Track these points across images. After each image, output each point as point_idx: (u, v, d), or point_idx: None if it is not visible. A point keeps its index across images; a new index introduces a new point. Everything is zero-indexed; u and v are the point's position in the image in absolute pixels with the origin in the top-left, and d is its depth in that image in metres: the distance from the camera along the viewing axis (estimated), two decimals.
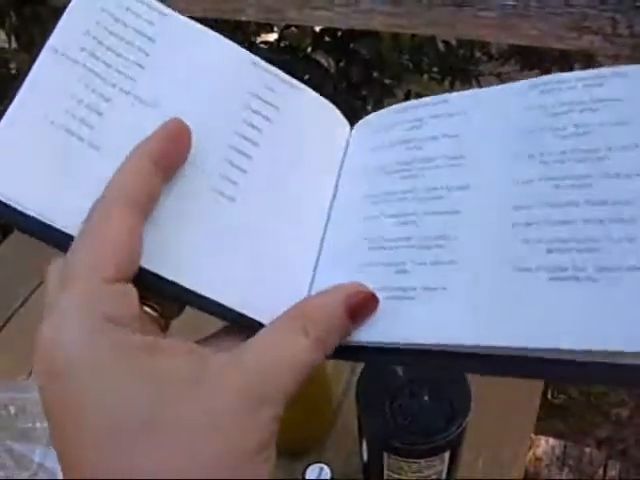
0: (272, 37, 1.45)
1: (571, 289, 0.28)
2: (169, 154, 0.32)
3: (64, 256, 0.29)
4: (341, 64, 1.41)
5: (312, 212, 0.37)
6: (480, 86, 1.71)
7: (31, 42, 1.20)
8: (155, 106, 0.35)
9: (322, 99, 0.41)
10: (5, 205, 0.31)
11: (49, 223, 0.31)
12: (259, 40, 1.41)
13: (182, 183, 0.34)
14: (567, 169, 0.32)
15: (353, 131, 0.41)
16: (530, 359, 0.28)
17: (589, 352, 0.27)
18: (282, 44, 1.44)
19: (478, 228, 0.32)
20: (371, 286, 0.32)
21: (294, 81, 0.40)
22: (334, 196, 0.38)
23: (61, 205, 0.31)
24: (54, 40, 0.34)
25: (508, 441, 0.81)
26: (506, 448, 0.80)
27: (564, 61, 1.51)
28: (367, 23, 0.98)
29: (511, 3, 0.89)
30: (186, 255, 0.33)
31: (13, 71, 1.24)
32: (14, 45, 1.42)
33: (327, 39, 1.28)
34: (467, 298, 0.31)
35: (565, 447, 1.59)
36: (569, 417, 1.60)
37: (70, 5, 0.36)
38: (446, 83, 1.62)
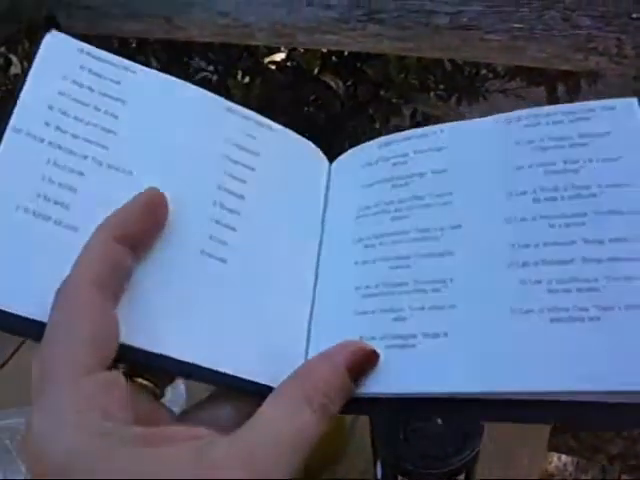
0: (279, 57, 1.46)
1: (573, 330, 0.28)
2: (138, 231, 0.31)
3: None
4: (348, 83, 1.42)
5: (302, 260, 0.36)
6: (487, 102, 1.72)
7: None
8: (130, 173, 0.33)
9: (299, 138, 0.39)
10: None
11: (25, 315, 0.29)
12: (267, 60, 1.43)
13: (166, 250, 0.32)
14: (560, 207, 0.31)
15: (333, 166, 0.40)
16: (534, 402, 0.28)
17: (592, 393, 0.27)
18: (290, 64, 1.45)
19: (474, 269, 0.32)
20: (369, 335, 0.32)
21: (271, 123, 0.38)
22: (321, 241, 0.37)
23: (39, 294, 0.29)
24: (16, 119, 0.32)
25: (521, 458, 0.81)
26: (519, 465, 0.80)
27: (570, 77, 1.52)
28: (375, 47, 1.00)
29: (517, 26, 0.90)
30: (175, 325, 0.31)
31: None
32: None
33: (334, 60, 1.29)
34: (469, 343, 0.30)
35: (577, 463, 1.58)
36: (581, 433, 1.59)
37: (28, 78, 0.33)
38: (452, 100, 1.63)
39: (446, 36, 0.94)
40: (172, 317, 0.31)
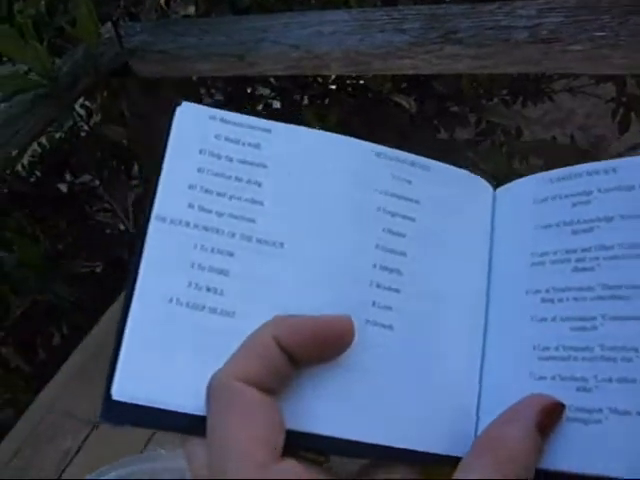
0: (348, 81, 1.47)
1: None
2: (303, 350, 0.28)
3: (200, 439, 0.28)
4: (414, 98, 1.42)
5: (470, 313, 0.33)
6: (552, 103, 1.69)
7: (122, 114, 1.25)
8: (282, 245, 0.31)
9: (458, 171, 0.35)
10: (150, 409, 0.28)
11: (183, 411, 0.28)
12: (335, 86, 1.43)
13: None
14: None
15: (499, 197, 0.35)
16: None
17: None
18: (357, 82, 1.46)
19: None
20: None
21: (425, 161, 0.35)
22: (488, 290, 0.33)
23: (197, 387, 0.28)
24: (159, 206, 0.31)
25: None
26: None
27: None
28: (452, 67, 0.99)
29: (600, 34, 0.89)
30: (344, 403, 0.29)
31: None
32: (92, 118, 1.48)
33: (405, 82, 1.30)
34: None
35: None
36: None
37: (165, 160, 0.32)
38: (517, 104, 1.61)
39: (526, 51, 0.93)
40: (340, 396, 0.29)
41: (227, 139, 0.33)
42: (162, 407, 0.28)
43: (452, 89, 1.24)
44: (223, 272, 0.30)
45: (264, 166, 0.33)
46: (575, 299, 0.30)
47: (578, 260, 0.31)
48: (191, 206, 0.31)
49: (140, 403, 0.28)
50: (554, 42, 0.91)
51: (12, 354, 1.48)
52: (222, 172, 0.32)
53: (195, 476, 0.28)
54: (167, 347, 0.29)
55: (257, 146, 0.33)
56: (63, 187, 1.67)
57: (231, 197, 0.32)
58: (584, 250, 0.31)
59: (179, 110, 0.33)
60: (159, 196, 0.31)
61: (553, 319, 0.30)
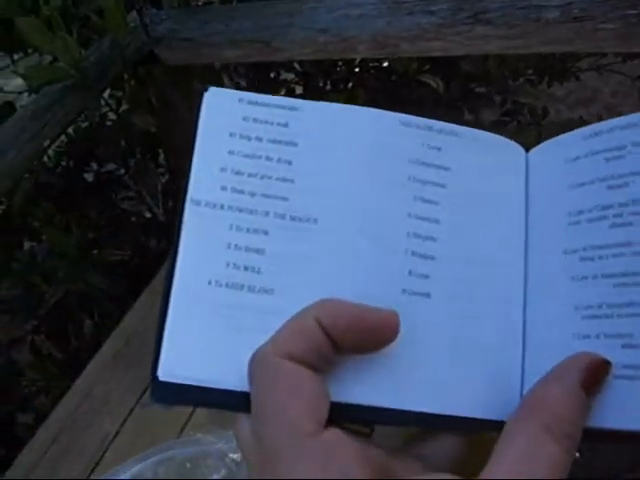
0: (375, 64, 1.46)
1: None
2: (344, 336, 0.28)
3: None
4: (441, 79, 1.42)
5: (509, 276, 0.33)
6: (578, 82, 1.68)
7: (149, 102, 1.26)
8: (315, 221, 0.32)
9: (488, 135, 0.35)
10: (195, 388, 0.28)
11: (239, 390, 0.28)
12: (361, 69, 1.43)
13: (366, 296, 0.30)
14: None
15: (531, 159, 0.35)
16: None
17: None
18: (381, 65, 1.45)
19: None
20: None
21: (453, 127, 0.34)
22: (526, 252, 0.33)
23: (240, 364, 0.28)
24: (193, 190, 0.31)
25: None
26: None
27: None
28: (482, 48, 0.99)
29: (632, 12, 0.88)
30: (387, 373, 0.29)
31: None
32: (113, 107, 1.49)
33: (429, 64, 1.29)
34: None
35: None
36: None
37: (197, 145, 0.33)
38: (543, 84, 1.60)
39: (557, 30, 0.92)
40: (383, 366, 0.29)
41: (255, 120, 0.33)
42: (206, 385, 0.28)
43: (479, 70, 1.23)
44: (259, 251, 0.31)
45: (294, 144, 0.33)
46: (614, 255, 0.30)
47: (615, 216, 0.30)
48: (224, 188, 0.32)
49: (186, 382, 0.28)
50: (586, 20, 0.90)
51: (45, 342, 1.50)
52: (252, 153, 0.33)
53: (243, 449, 0.28)
54: (209, 327, 0.29)
55: (285, 125, 0.33)
56: (88, 176, 1.68)
57: (262, 177, 0.32)
58: (621, 205, 0.30)
59: (207, 95, 0.34)
60: (192, 181, 0.32)
61: (594, 277, 0.30)
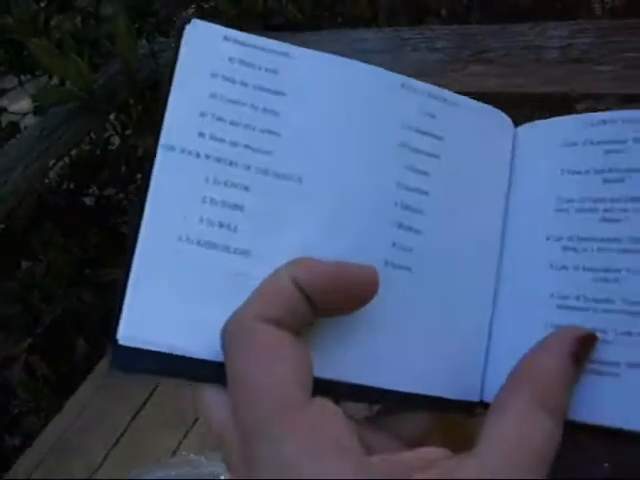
0: None
1: None
2: (323, 295, 0.27)
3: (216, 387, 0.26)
4: None
5: (483, 259, 0.32)
6: None
7: (155, 125, 1.27)
8: (300, 180, 0.29)
9: (482, 106, 0.33)
10: (159, 355, 0.26)
11: (198, 357, 0.26)
12: None
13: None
14: None
15: (520, 135, 0.33)
16: None
17: None
18: None
19: None
20: None
21: (450, 95, 0.32)
22: (507, 231, 0.32)
23: (211, 332, 0.26)
24: (166, 136, 0.28)
25: None
26: None
27: None
28: (481, 86, 1.01)
29: (630, 55, 0.91)
30: (362, 349, 0.29)
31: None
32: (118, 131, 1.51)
33: None
34: None
35: None
36: None
37: (173, 84, 0.29)
38: None
39: (556, 70, 0.95)
40: (358, 342, 0.28)
41: (242, 62, 0.30)
42: (172, 352, 0.26)
43: None
44: (237, 207, 0.28)
45: (282, 94, 0.30)
46: (600, 250, 0.29)
47: (606, 210, 0.30)
48: (202, 135, 0.28)
49: (148, 348, 0.26)
50: (584, 62, 0.93)
51: (39, 362, 1.50)
52: (236, 99, 0.29)
53: (217, 431, 0.26)
54: (176, 288, 0.27)
55: (275, 72, 0.30)
56: (87, 199, 1.70)
57: (246, 126, 0.29)
58: (613, 200, 0.30)
59: (189, 28, 0.30)
60: (166, 124, 0.28)
61: (575, 268, 0.30)
